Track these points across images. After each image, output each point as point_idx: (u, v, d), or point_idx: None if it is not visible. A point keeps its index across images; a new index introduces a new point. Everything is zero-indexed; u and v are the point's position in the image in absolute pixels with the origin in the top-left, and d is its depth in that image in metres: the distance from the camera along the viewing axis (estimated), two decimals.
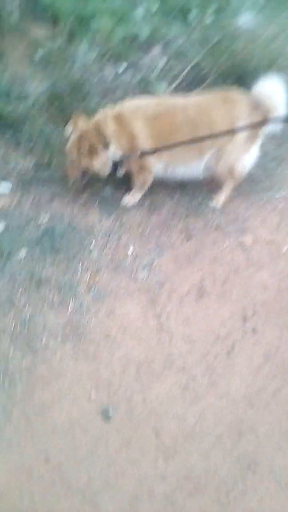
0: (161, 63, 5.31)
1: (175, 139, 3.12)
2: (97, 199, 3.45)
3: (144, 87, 4.75)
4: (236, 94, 3.21)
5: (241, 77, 4.94)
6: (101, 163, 3.19)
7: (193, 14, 5.45)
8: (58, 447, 2.17)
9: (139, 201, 3.48)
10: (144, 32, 5.09)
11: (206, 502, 2.07)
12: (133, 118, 3.12)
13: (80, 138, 3.12)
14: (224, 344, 2.72)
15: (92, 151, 3.11)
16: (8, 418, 2.21)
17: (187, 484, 2.13)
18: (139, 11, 4.89)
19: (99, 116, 3.19)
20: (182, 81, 5.03)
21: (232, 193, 3.68)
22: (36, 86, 4.51)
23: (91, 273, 2.93)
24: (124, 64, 5.29)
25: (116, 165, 3.24)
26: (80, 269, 2.93)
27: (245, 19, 5.93)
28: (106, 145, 3.13)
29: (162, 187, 3.59)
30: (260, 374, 2.60)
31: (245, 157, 3.34)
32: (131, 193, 3.45)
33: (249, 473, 2.20)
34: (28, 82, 4.61)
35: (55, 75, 4.51)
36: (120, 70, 5.23)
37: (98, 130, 3.12)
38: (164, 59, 5.37)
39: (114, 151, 3.17)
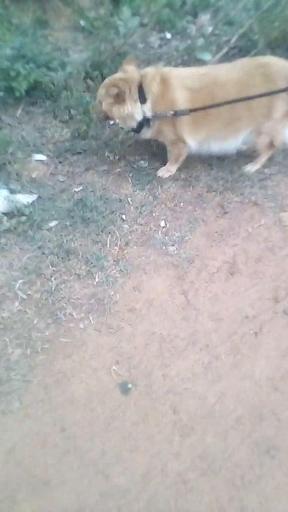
0: (209, 30, 5.09)
1: (213, 115, 3.00)
2: (131, 171, 3.39)
3: (190, 55, 4.58)
4: (277, 69, 3.00)
5: None
6: (122, 114, 3.03)
7: None
8: (75, 418, 2.18)
9: (175, 174, 3.38)
10: None
11: (219, 484, 2.03)
12: (180, 87, 2.98)
13: (117, 81, 2.96)
14: (252, 324, 2.63)
15: (119, 98, 2.96)
16: (28, 386, 2.24)
17: (201, 464, 2.09)
18: None
19: (147, 70, 3.05)
20: (230, 49, 4.82)
21: (272, 170, 3.52)
22: (78, 55, 4.46)
23: (120, 246, 2.89)
24: (170, 32, 5.13)
25: (142, 125, 3.10)
26: (109, 242, 2.90)
27: None
28: (143, 99, 2.99)
29: (199, 161, 3.48)
30: None
31: (286, 130, 3.18)
32: (166, 165, 3.35)
33: (267, 458, 2.13)
34: (70, 50, 4.56)
35: (98, 43, 4.41)
36: (166, 37, 5.07)
37: (141, 83, 2.98)
38: (212, 26, 5.15)
39: (148, 108, 3.02)
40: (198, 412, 2.26)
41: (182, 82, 2.99)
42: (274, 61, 3.07)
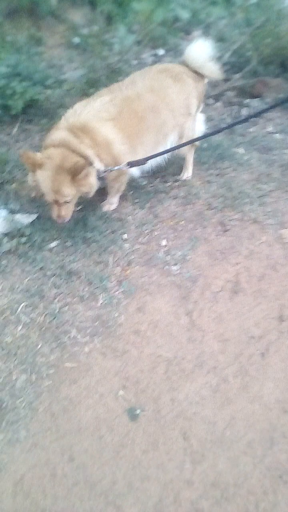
0: None
1: (143, 129, 2.91)
2: (130, 189, 3.37)
3: None
4: (179, 70, 3.11)
5: (285, 60, 4.74)
6: (96, 180, 2.78)
7: None
8: (83, 446, 2.12)
9: (174, 192, 3.38)
10: (185, 15, 4.92)
11: None
12: (100, 124, 2.75)
13: (62, 168, 2.59)
14: (258, 344, 2.60)
15: (88, 173, 2.66)
16: (34, 414, 2.18)
17: (214, 492, 2.05)
18: None
19: (60, 135, 2.71)
20: (223, 65, 4.85)
21: (271, 186, 3.53)
22: (73, 72, 4.46)
23: (122, 266, 2.86)
24: (163, 48, 5.16)
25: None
26: (111, 262, 2.86)
27: None
28: (90, 163, 2.70)
29: (197, 178, 3.48)
30: None
31: (197, 124, 3.36)
32: (108, 200, 3.19)
33: (281, 483, 2.09)
34: (65, 67, 4.56)
35: (93, 60, 4.42)
36: (159, 54, 5.10)
37: (74, 150, 2.65)
38: None
39: (99, 165, 2.79)
40: (209, 438, 2.21)
41: (99, 117, 2.76)
42: (171, 65, 3.20)
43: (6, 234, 2.90)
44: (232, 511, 1.99)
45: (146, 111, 2.88)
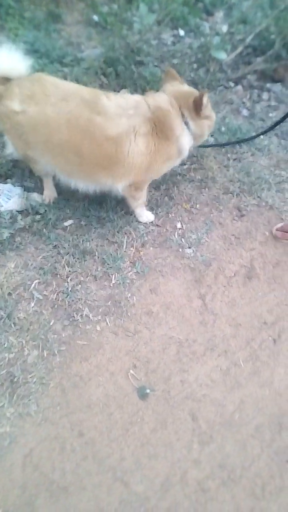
0: (224, 28, 5.03)
1: None
2: None
3: (205, 53, 4.52)
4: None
5: None
6: None
7: None
8: (93, 423, 2.14)
9: (190, 175, 3.34)
10: None
11: (240, 494, 2.00)
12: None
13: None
14: (270, 331, 2.59)
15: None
16: (45, 389, 2.20)
17: (221, 473, 2.06)
18: None
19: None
20: (245, 48, 4.77)
21: None
22: (92, 50, 4.40)
23: (136, 247, 2.85)
24: (183, 29, 5.06)
25: None
26: (125, 242, 2.85)
27: None
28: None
29: (215, 162, 3.43)
30: None
31: None
32: (136, 213, 2.99)
33: None
34: (83, 45, 4.51)
35: (112, 39, 4.35)
36: (179, 34, 5.01)
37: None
38: (226, 24, 5.09)
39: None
40: (217, 420, 2.22)
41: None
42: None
43: (20, 212, 2.89)
44: (238, 493, 2.01)
45: None
